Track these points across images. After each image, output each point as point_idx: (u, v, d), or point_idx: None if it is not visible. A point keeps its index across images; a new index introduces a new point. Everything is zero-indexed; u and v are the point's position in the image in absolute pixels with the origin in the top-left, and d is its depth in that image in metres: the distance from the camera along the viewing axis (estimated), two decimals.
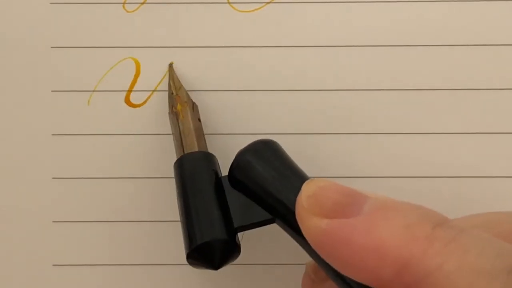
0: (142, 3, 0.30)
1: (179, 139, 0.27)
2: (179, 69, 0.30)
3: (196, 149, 0.27)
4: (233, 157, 0.25)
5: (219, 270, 0.24)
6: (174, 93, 0.28)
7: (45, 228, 0.30)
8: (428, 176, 0.30)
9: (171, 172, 0.30)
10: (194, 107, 0.28)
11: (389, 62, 0.30)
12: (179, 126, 0.27)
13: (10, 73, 0.30)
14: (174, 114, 0.28)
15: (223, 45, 0.30)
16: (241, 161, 0.25)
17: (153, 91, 0.30)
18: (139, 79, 0.30)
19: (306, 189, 0.21)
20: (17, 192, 0.30)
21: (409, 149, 0.30)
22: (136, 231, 0.30)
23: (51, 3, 0.30)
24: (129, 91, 0.30)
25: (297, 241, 0.23)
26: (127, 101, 0.30)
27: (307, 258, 0.23)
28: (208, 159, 0.26)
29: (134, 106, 0.30)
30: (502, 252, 0.18)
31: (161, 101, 0.30)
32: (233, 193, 0.25)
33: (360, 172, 0.30)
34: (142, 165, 0.30)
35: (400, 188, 0.30)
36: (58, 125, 0.30)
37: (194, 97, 0.29)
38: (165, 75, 0.30)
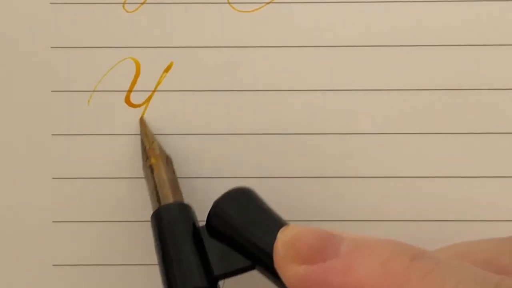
0: (142, 3, 0.30)
1: (155, 192, 0.27)
2: (179, 69, 0.30)
3: (172, 201, 0.27)
4: (211, 202, 0.25)
5: None
6: (148, 147, 0.29)
7: (45, 228, 0.30)
8: (428, 176, 0.30)
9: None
10: (168, 159, 0.28)
11: (389, 62, 0.30)
12: (153, 180, 0.28)
13: (10, 73, 0.30)
14: (148, 168, 0.28)
15: (223, 45, 0.30)
16: (217, 210, 0.25)
17: (153, 91, 0.30)
18: (139, 79, 0.30)
19: (282, 237, 0.21)
20: (17, 192, 0.30)
21: (409, 149, 0.30)
22: (136, 231, 0.30)
23: (51, 3, 0.30)
24: (129, 91, 0.30)
25: (278, 287, 0.23)
26: (127, 101, 0.30)
27: None
28: (185, 209, 0.27)
29: (134, 106, 0.30)
30: (481, 280, 0.18)
31: (161, 101, 0.30)
32: (212, 242, 0.25)
33: (359, 172, 0.30)
34: (140, 165, 0.30)
35: (400, 188, 0.30)
36: (58, 125, 0.30)
37: (194, 97, 0.29)
38: (163, 75, 0.30)
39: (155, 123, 0.30)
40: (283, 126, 0.30)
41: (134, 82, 0.30)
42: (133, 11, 0.30)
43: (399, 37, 0.30)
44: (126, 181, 0.30)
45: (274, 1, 0.30)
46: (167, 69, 0.30)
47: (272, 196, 0.30)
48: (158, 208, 0.27)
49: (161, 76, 0.30)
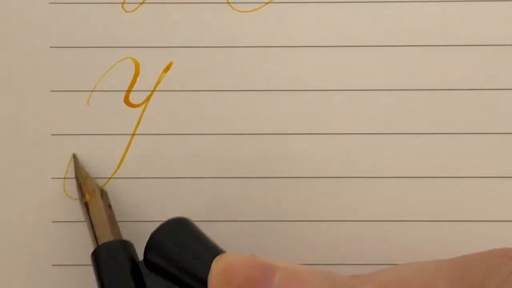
0: (142, 3, 0.30)
1: (92, 230, 0.28)
2: (178, 69, 0.30)
3: (111, 238, 0.27)
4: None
5: None
6: (82, 183, 0.29)
7: (45, 228, 0.30)
8: (428, 176, 0.30)
9: (171, 172, 0.30)
10: (103, 193, 0.29)
11: (389, 62, 0.30)
12: (90, 217, 0.28)
13: (10, 73, 0.30)
14: (83, 204, 0.28)
15: (223, 45, 0.30)
16: (154, 243, 0.25)
17: (153, 91, 0.30)
18: (138, 79, 0.30)
19: (215, 267, 0.21)
20: (17, 192, 0.30)
21: (408, 149, 0.30)
22: (136, 231, 0.30)
23: (50, 3, 0.30)
24: (129, 91, 0.30)
25: None
26: (127, 101, 0.30)
27: None
28: (123, 246, 0.27)
29: (133, 106, 0.30)
30: None
31: (161, 101, 0.30)
32: (152, 277, 0.25)
33: (359, 172, 0.30)
34: (141, 165, 0.30)
35: (399, 188, 0.30)
36: (58, 125, 0.30)
37: (193, 97, 0.29)
38: (162, 75, 0.30)
39: (155, 123, 0.30)
40: (283, 126, 0.30)
41: (133, 82, 0.30)
42: (133, 11, 0.30)
43: (399, 37, 0.30)
44: (126, 181, 0.30)
45: (273, 1, 0.30)
46: (166, 69, 0.30)
47: (271, 196, 0.30)
48: (96, 247, 0.27)
49: (160, 76, 0.30)
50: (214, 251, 0.25)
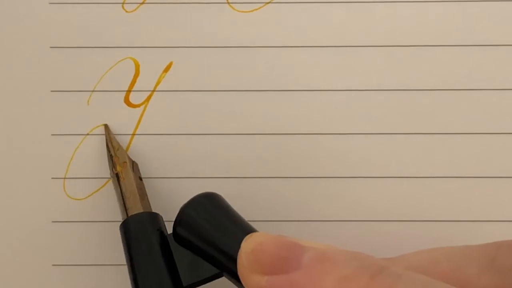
0: (142, 3, 0.30)
1: (122, 201, 0.27)
2: (178, 69, 0.30)
3: (141, 210, 0.27)
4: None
5: None
6: (113, 155, 0.29)
7: (45, 228, 0.30)
8: (428, 176, 0.30)
9: (171, 172, 0.30)
10: (134, 166, 0.29)
11: (389, 62, 0.30)
12: (120, 188, 0.28)
13: (10, 73, 0.30)
14: (114, 176, 0.28)
15: (222, 45, 0.30)
16: (183, 217, 0.25)
17: (153, 91, 0.30)
18: (138, 79, 0.30)
19: (245, 246, 0.21)
20: (17, 192, 0.30)
21: (408, 149, 0.30)
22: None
23: (50, 3, 0.30)
24: (129, 91, 0.30)
25: None
26: (127, 101, 0.30)
27: None
28: (152, 219, 0.27)
29: (133, 106, 0.30)
30: None
31: (160, 101, 0.30)
32: (180, 251, 0.25)
33: (359, 172, 0.30)
34: (141, 165, 0.30)
35: (399, 188, 0.30)
36: (58, 125, 0.30)
37: (193, 97, 0.29)
38: (162, 75, 0.30)
39: (154, 123, 0.30)
40: (283, 126, 0.30)
41: (133, 82, 0.30)
42: (133, 11, 0.30)
43: (399, 37, 0.30)
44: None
45: (273, 1, 0.30)
46: (166, 69, 0.30)
47: (271, 196, 0.30)
48: (126, 219, 0.27)
49: (160, 76, 0.30)
50: (244, 227, 0.24)
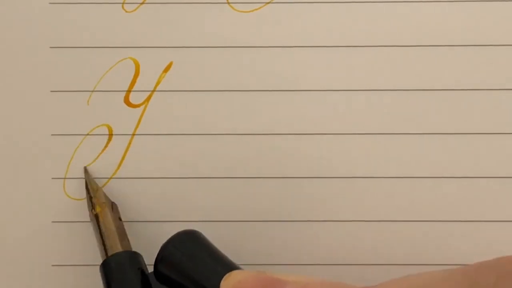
0: (142, 3, 0.30)
1: (101, 241, 0.27)
2: (178, 69, 0.30)
3: (120, 250, 0.27)
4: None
5: None
6: (92, 196, 0.29)
7: (45, 228, 0.30)
8: (429, 176, 0.30)
9: (170, 172, 0.30)
10: (113, 206, 0.29)
11: (389, 62, 0.30)
12: (100, 228, 0.28)
13: (10, 73, 0.30)
14: (94, 217, 0.28)
15: (223, 45, 0.30)
16: (165, 254, 0.25)
17: (153, 91, 0.30)
18: (138, 79, 0.30)
19: (225, 285, 0.21)
20: (17, 192, 0.30)
21: (409, 149, 0.30)
22: (136, 231, 0.30)
23: (50, 3, 0.30)
24: (129, 91, 0.30)
25: None
26: (127, 101, 0.30)
27: None
28: (133, 258, 0.27)
29: (133, 106, 0.30)
30: None
31: (160, 101, 0.30)
32: None
33: (360, 172, 0.30)
34: (141, 165, 0.30)
35: (399, 188, 0.30)
36: (58, 125, 0.30)
37: (193, 97, 0.29)
38: (162, 75, 0.30)
39: (154, 123, 0.30)
40: (283, 126, 0.30)
41: (133, 82, 0.30)
42: (133, 11, 0.30)
43: (399, 37, 0.30)
44: (126, 181, 0.30)
45: (273, 1, 0.30)
46: (166, 69, 0.30)
47: (272, 196, 0.30)
48: (106, 258, 0.27)
49: (160, 76, 0.30)
50: (225, 263, 0.25)
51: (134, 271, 0.26)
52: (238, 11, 0.30)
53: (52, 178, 0.30)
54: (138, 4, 0.30)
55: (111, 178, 0.30)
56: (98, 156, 0.30)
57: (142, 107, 0.30)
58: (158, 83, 0.30)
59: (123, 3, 0.30)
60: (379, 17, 0.30)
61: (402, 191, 0.30)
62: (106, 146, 0.30)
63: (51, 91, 0.30)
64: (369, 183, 0.30)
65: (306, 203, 0.30)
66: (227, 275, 0.22)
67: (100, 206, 0.28)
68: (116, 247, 0.27)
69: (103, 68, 0.30)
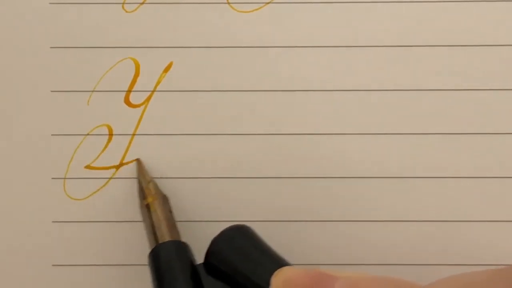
0: (142, 3, 0.30)
1: (152, 231, 0.27)
2: (178, 69, 0.30)
3: (169, 239, 0.27)
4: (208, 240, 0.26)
5: None
6: (144, 187, 0.29)
7: (45, 228, 0.30)
8: (429, 176, 0.30)
9: (170, 172, 0.30)
10: (164, 199, 0.29)
11: (389, 62, 0.30)
12: (150, 219, 0.28)
13: (10, 73, 0.30)
14: (145, 207, 0.28)
15: (223, 45, 0.30)
16: (216, 248, 0.25)
17: (153, 91, 0.30)
18: (138, 79, 0.30)
19: (275, 281, 0.21)
20: (17, 192, 0.30)
21: (409, 149, 0.30)
22: (136, 231, 0.30)
23: (50, 3, 0.30)
24: (129, 91, 0.30)
25: None
26: (127, 101, 0.30)
27: None
28: (182, 248, 0.27)
29: (133, 106, 0.30)
30: None
31: (161, 101, 0.30)
32: (210, 280, 0.25)
33: (360, 172, 0.30)
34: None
35: (399, 188, 0.30)
36: (58, 125, 0.30)
37: (193, 98, 0.29)
38: (162, 75, 0.30)
39: (154, 123, 0.30)
40: (283, 126, 0.30)
41: (133, 82, 0.30)
42: (133, 11, 0.30)
43: (399, 37, 0.30)
44: (126, 181, 0.30)
45: (273, 1, 0.30)
46: (166, 69, 0.30)
47: (272, 196, 0.30)
48: (155, 247, 0.27)
49: (160, 76, 0.30)
50: (275, 259, 0.25)
51: (182, 260, 0.26)
52: (238, 11, 0.30)
53: (52, 178, 0.30)
54: (138, 4, 0.30)
55: (111, 178, 0.30)
56: (98, 156, 0.30)
57: (142, 107, 0.30)
58: (158, 83, 0.30)
59: (123, 3, 0.30)
60: (379, 17, 0.30)
61: (402, 191, 0.30)
62: (106, 146, 0.30)
63: (51, 91, 0.30)
64: (369, 183, 0.30)
65: (306, 203, 0.30)
66: (277, 271, 0.22)
67: (151, 197, 0.28)
68: (165, 237, 0.27)
69: (103, 68, 0.30)
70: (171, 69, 0.30)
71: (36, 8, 0.30)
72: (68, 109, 0.30)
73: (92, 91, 0.30)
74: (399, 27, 0.30)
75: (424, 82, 0.30)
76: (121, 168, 0.30)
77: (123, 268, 0.30)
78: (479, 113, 0.30)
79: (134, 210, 0.30)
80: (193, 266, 0.26)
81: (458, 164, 0.30)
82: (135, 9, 0.30)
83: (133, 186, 0.30)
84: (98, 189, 0.30)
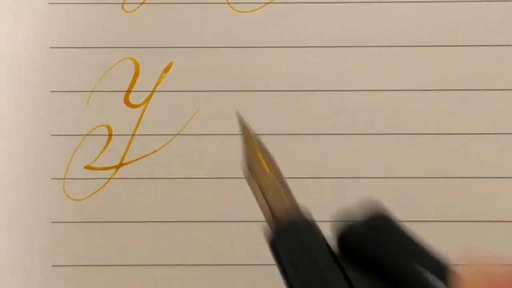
0: (141, 3, 0.30)
1: (262, 198, 0.23)
2: (178, 70, 0.30)
3: (286, 204, 0.23)
4: None
5: None
6: (253, 139, 0.24)
7: (45, 228, 0.30)
8: (429, 176, 0.30)
9: (170, 172, 0.30)
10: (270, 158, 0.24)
11: (389, 62, 0.30)
12: (259, 181, 0.23)
13: (9, 73, 0.30)
14: (253, 167, 0.24)
15: (222, 46, 0.30)
16: (353, 233, 0.22)
17: (152, 91, 0.30)
18: (138, 79, 0.30)
19: (470, 278, 0.18)
20: (17, 192, 0.30)
21: (409, 149, 0.30)
22: (136, 231, 0.30)
23: (49, 3, 0.30)
24: (128, 91, 0.30)
25: None
26: (127, 101, 0.30)
27: None
28: (315, 226, 0.22)
29: (133, 106, 0.30)
30: None
31: (161, 101, 0.30)
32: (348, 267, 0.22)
33: (360, 172, 0.30)
34: (141, 165, 0.30)
35: (400, 188, 0.30)
36: (57, 126, 0.30)
37: (193, 98, 0.29)
38: (162, 75, 0.30)
39: (154, 123, 0.30)
40: (282, 126, 0.30)
41: (133, 82, 0.30)
42: (132, 11, 0.30)
43: (399, 37, 0.30)
44: (126, 181, 0.30)
45: (273, 1, 0.30)
46: (166, 70, 0.30)
47: None
48: (279, 230, 0.22)
49: (160, 76, 0.30)
50: (423, 250, 0.21)
51: (320, 242, 0.22)
52: (238, 11, 0.30)
53: (52, 178, 0.30)
54: (138, 4, 0.30)
55: (111, 178, 0.30)
56: (98, 156, 0.30)
57: (142, 107, 0.30)
58: (158, 83, 0.30)
59: (123, 3, 0.30)
60: (379, 17, 0.30)
61: (403, 191, 0.30)
62: (106, 146, 0.30)
63: (51, 91, 0.30)
64: (369, 183, 0.30)
65: (306, 203, 0.30)
66: (469, 267, 0.18)
67: (261, 152, 0.24)
68: (280, 201, 0.23)
69: (103, 68, 0.30)
70: (171, 69, 0.30)
71: (35, 8, 0.30)
72: (67, 109, 0.30)
73: (92, 91, 0.30)
74: (399, 27, 0.30)
75: (423, 82, 0.30)
76: (121, 168, 0.30)
77: (124, 268, 0.30)
78: (479, 113, 0.30)
79: (134, 210, 0.30)
80: (331, 250, 0.22)
81: (458, 164, 0.30)
82: (135, 9, 0.30)
83: (133, 186, 0.30)
84: (98, 190, 0.30)
